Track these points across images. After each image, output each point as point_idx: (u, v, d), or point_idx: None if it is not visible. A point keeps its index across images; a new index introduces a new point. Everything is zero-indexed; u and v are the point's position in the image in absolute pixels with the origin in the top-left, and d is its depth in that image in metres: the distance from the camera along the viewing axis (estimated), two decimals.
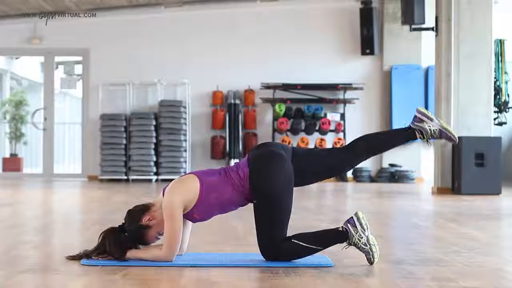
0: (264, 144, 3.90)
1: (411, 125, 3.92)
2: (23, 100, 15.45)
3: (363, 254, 3.76)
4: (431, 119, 3.90)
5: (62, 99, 17.83)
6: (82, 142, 14.03)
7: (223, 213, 3.84)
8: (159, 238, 3.81)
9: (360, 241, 3.72)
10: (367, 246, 3.71)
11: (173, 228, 3.66)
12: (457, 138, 3.95)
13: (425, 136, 3.90)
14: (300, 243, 3.72)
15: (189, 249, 4.05)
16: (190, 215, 3.76)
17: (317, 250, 3.76)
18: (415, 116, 3.91)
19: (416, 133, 3.90)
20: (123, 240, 3.73)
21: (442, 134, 3.90)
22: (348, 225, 3.75)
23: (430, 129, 3.89)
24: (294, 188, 3.82)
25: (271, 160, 3.74)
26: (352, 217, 3.76)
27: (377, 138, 3.98)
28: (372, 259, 3.72)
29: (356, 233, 3.72)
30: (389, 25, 13.63)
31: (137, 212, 3.76)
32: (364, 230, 3.73)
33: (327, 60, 13.71)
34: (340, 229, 3.77)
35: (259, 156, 3.78)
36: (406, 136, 3.94)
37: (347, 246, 3.77)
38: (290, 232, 3.80)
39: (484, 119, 9.91)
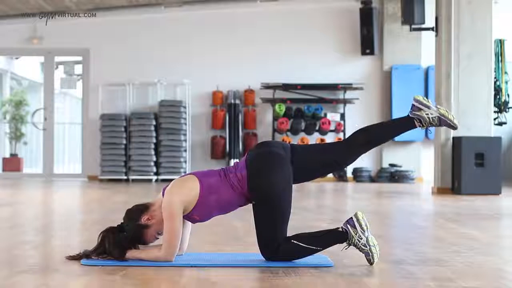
0: (263, 143, 3.88)
1: (409, 114, 3.88)
2: (23, 100, 15.44)
3: (363, 255, 3.76)
4: (429, 107, 3.85)
5: (62, 99, 17.82)
6: (82, 142, 14.03)
7: (223, 213, 3.83)
8: (158, 238, 3.80)
9: (360, 241, 3.71)
10: (366, 247, 3.71)
11: (173, 228, 3.66)
12: (457, 125, 3.89)
13: (424, 124, 3.86)
14: (300, 243, 3.72)
15: (189, 249, 4.05)
16: (190, 216, 3.75)
17: (316, 251, 3.75)
18: (413, 105, 3.87)
19: (415, 121, 3.86)
20: (122, 240, 3.73)
21: (442, 121, 3.84)
22: (348, 225, 3.74)
23: (428, 117, 3.84)
24: (295, 186, 3.81)
25: (270, 161, 3.73)
26: (351, 217, 3.76)
27: (377, 129, 3.94)
28: (372, 260, 3.72)
29: (356, 234, 3.72)
30: (389, 25, 13.62)
31: (136, 212, 3.76)
32: (364, 231, 3.72)
33: (327, 60, 13.71)
34: (340, 229, 3.76)
35: (257, 157, 3.77)
36: (405, 125, 3.89)
37: (347, 247, 3.77)
38: (290, 232, 3.80)
39: (484, 119, 9.90)
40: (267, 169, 3.70)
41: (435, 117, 3.84)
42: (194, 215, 3.74)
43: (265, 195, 3.68)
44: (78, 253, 3.84)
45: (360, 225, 3.72)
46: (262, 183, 3.68)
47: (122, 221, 3.78)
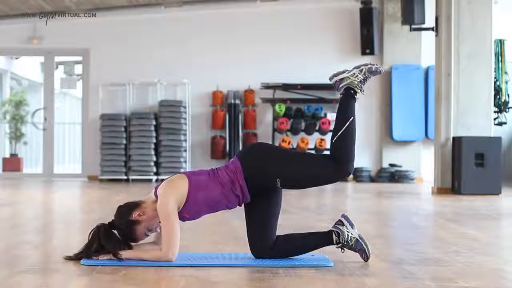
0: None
1: (331, 227, 3.88)
2: (23, 100, 15.44)
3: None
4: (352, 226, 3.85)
5: (62, 99, 17.83)
6: (82, 142, 14.03)
7: (212, 212, 3.87)
8: (148, 235, 3.82)
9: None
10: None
11: (171, 227, 3.67)
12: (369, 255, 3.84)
13: (341, 241, 3.82)
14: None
15: (189, 249, 4.05)
16: (180, 215, 3.78)
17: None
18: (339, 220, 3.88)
19: (333, 235, 3.83)
20: (114, 236, 3.75)
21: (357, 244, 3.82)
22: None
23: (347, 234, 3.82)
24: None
25: (261, 146, 3.87)
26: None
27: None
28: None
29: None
30: (389, 25, 13.62)
31: (128, 208, 3.80)
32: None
33: (327, 60, 13.70)
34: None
35: (249, 147, 3.90)
36: (325, 239, 3.85)
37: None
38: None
39: (484, 119, 9.90)
40: (261, 153, 3.81)
41: (353, 237, 3.82)
42: (184, 213, 3.78)
43: (264, 172, 3.75)
44: (76, 253, 3.84)
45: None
46: (259, 162, 3.77)
47: (113, 218, 3.80)
